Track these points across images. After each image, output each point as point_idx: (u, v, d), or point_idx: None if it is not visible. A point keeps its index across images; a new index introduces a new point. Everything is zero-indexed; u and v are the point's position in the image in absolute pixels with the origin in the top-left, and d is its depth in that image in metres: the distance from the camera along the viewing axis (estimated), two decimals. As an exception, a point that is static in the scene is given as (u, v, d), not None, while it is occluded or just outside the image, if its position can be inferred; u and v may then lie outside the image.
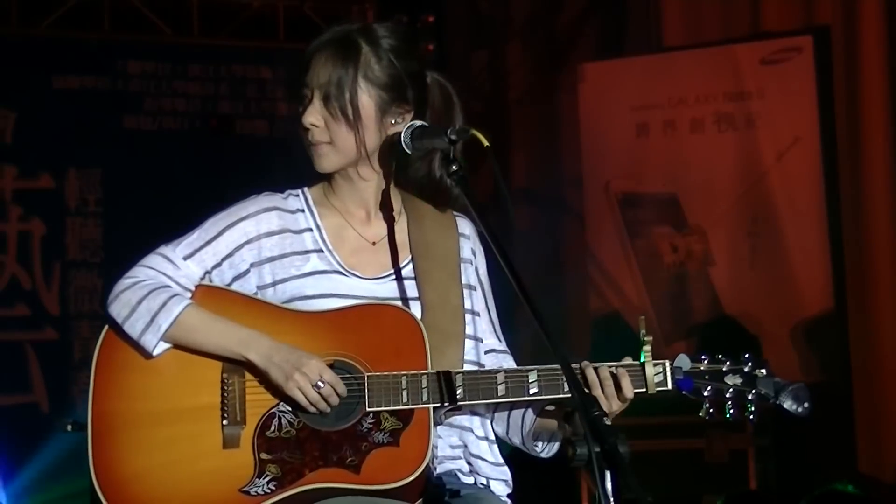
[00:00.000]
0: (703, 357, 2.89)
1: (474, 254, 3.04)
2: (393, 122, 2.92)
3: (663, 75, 7.54)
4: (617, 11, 7.98)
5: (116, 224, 7.37)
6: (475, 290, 3.02)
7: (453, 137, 2.74)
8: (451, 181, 2.77)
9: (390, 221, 2.99)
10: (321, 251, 2.94)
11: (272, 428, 2.82)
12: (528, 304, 2.48)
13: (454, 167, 2.73)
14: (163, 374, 2.86)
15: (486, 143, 2.69)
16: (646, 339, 2.84)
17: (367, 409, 2.80)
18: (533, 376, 2.84)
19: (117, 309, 2.86)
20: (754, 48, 7.35)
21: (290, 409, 2.81)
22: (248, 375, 2.84)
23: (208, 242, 2.93)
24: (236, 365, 2.84)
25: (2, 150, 7.34)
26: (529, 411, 2.94)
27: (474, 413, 2.97)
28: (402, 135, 2.85)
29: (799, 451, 6.62)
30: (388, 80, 2.89)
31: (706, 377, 2.87)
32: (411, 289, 2.93)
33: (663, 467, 6.39)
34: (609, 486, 2.26)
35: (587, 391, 2.77)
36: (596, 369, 2.82)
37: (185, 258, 2.92)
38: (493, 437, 3.00)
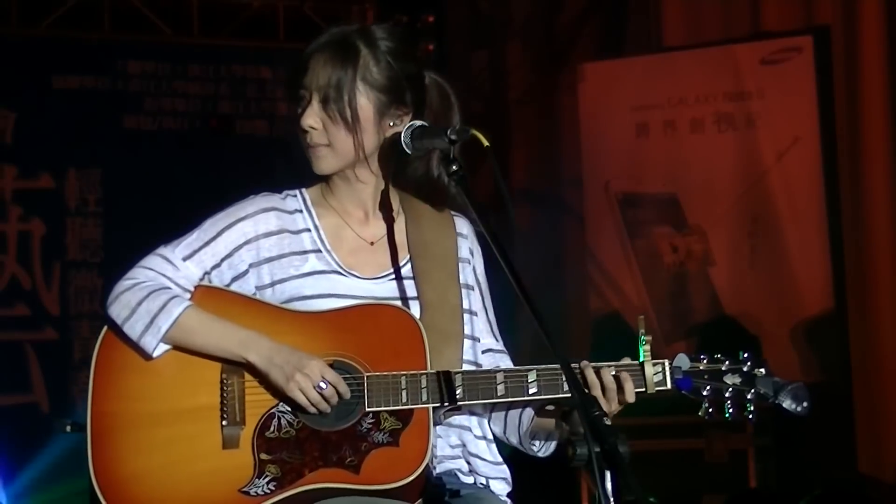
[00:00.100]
0: (702, 357, 2.89)
1: (472, 253, 3.04)
2: (391, 124, 2.92)
3: (663, 75, 7.54)
4: (617, 11, 7.98)
5: (116, 224, 7.37)
6: (473, 289, 3.02)
7: (453, 137, 2.74)
8: (451, 181, 2.77)
9: (389, 221, 2.99)
10: (319, 251, 2.94)
11: (272, 428, 2.82)
12: (528, 304, 2.48)
13: (454, 167, 2.73)
14: (162, 375, 2.86)
15: (486, 143, 2.69)
16: (645, 338, 2.85)
17: (367, 410, 2.80)
18: (532, 376, 2.84)
19: (117, 310, 2.86)
20: (754, 48, 7.35)
21: (289, 409, 2.82)
22: (247, 376, 2.84)
23: (207, 243, 2.93)
24: (236, 366, 2.84)
25: (2, 150, 7.34)
26: (527, 410, 2.94)
27: (472, 413, 2.97)
28: (402, 135, 2.85)
29: (799, 451, 6.62)
30: (387, 83, 2.89)
31: (705, 377, 2.87)
32: (410, 288, 2.94)
33: (663, 467, 6.39)
34: (609, 486, 2.26)
35: (587, 391, 2.77)
36: (600, 375, 2.81)
37: (185, 259, 2.92)
38: (490, 436, 3.00)
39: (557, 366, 2.78)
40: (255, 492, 2.78)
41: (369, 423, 2.80)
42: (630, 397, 2.82)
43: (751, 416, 2.86)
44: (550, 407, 2.90)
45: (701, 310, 7.43)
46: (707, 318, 7.37)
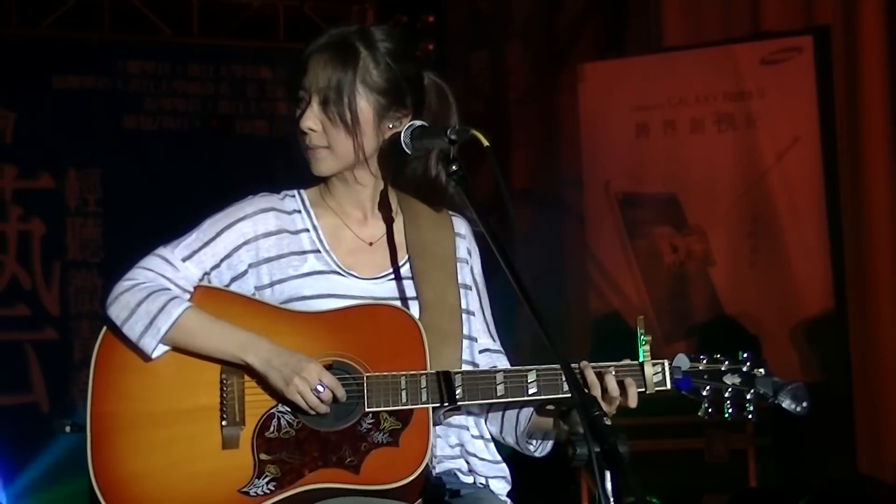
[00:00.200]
0: (701, 357, 2.89)
1: (470, 253, 3.04)
2: (391, 126, 2.92)
3: (663, 75, 7.54)
4: (617, 11, 7.99)
5: (116, 224, 7.37)
6: (470, 289, 3.02)
7: (453, 137, 2.74)
8: (451, 181, 2.77)
9: (388, 222, 2.99)
10: (318, 251, 2.94)
11: (271, 428, 2.82)
12: (528, 304, 2.48)
13: (454, 167, 2.73)
14: (161, 376, 2.86)
15: (486, 143, 2.68)
16: (644, 338, 2.85)
17: (367, 410, 2.80)
18: (532, 376, 2.84)
19: (116, 311, 2.86)
20: (754, 48, 7.36)
21: (289, 409, 2.81)
22: (246, 376, 2.84)
23: (206, 244, 2.93)
24: (235, 366, 2.84)
25: (2, 150, 7.35)
26: (524, 410, 2.94)
27: (469, 412, 2.97)
28: (402, 135, 2.85)
29: (799, 451, 6.62)
30: (386, 85, 2.89)
31: (705, 377, 2.87)
32: (409, 288, 2.94)
33: (663, 467, 6.39)
34: (609, 486, 2.26)
35: (587, 391, 2.77)
36: (603, 380, 2.81)
37: (184, 260, 2.92)
38: (488, 435, 3.00)
39: (557, 366, 2.78)
40: (255, 492, 2.78)
41: (369, 424, 2.80)
42: (633, 402, 2.82)
43: (750, 416, 2.86)
44: (551, 406, 2.90)
45: (701, 310, 7.43)
46: (707, 318, 7.37)
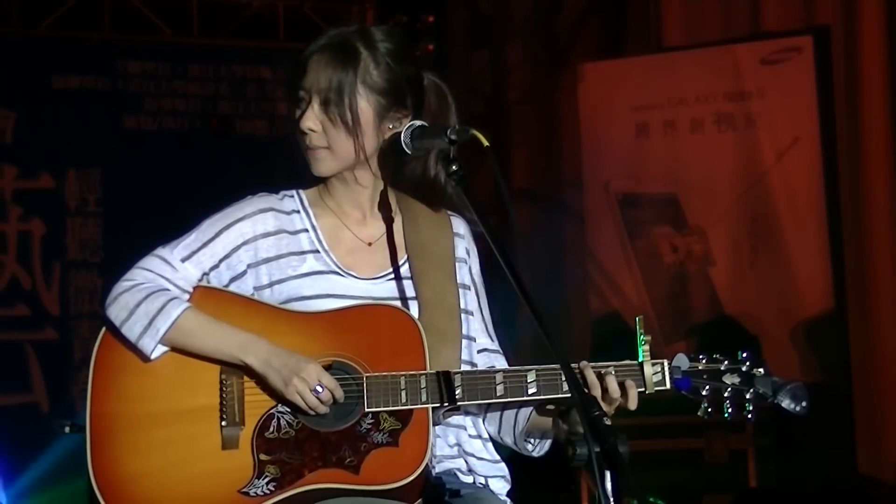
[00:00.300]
0: (701, 356, 2.89)
1: (468, 253, 3.04)
2: (391, 126, 2.92)
3: (663, 75, 7.54)
4: (617, 11, 7.99)
5: (116, 224, 7.37)
6: (469, 289, 3.02)
7: (453, 137, 2.74)
8: (451, 181, 2.77)
9: (388, 222, 2.99)
10: (317, 252, 2.94)
11: (271, 429, 2.81)
12: (528, 304, 2.48)
13: (454, 167, 2.73)
14: (161, 376, 2.86)
15: (486, 143, 2.68)
16: (644, 338, 2.85)
17: (366, 410, 2.80)
18: (531, 376, 2.84)
19: (115, 312, 2.86)
20: (754, 48, 7.36)
21: (288, 409, 2.81)
22: (246, 376, 2.84)
23: (205, 244, 2.93)
24: (235, 367, 2.84)
25: (2, 150, 7.34)
26: (523, 410, 2.95)
27: (467, 412, 2.97)
28: (402, 135, 2.85)
29: (799, 451, 6.62)
30: (387, 85, 2.89)
31: (704, 376, 2.87)
32: (408, 288, 2.94)
33: (663, 467, 6.39)
34: (609, 486, 2.26)
35: (587, 391, 2.77)
36: (604, 381, 2.81)
37: (183, 260, 2.92)
38: (486, 434, 3.00)
39: (557, 366, 2.78)
40: (255, 492, 2.78)
41: (369, 424, 2.80)
42: (633, 403, 2.82)
43: (749, 416, 2.86)
44: (551, 406, 2.90)
45: (701, 310, 7.43)
46: (707, 318, 7.37)
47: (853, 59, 7.01)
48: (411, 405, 2.79)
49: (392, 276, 2.95)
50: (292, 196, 3.02)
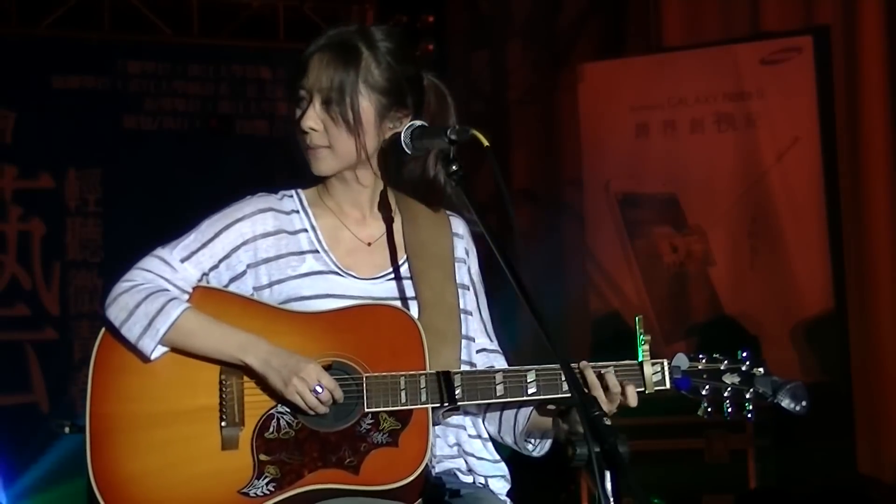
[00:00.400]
0: (700, 356, 2.89)
1: (467, 253, 3.04)
2: (391, 126, 2.92)
3: (663, 75, 7.54)
4: (617, 11, 7.99)
5: (116, 224, 7.37)
6: (468, 289, 3.02)
7: (453, 137, 2.74)
8: (451, 181, 2.77)
9: (387, 222, 2.99)
10: (317, 252, 2.94)
11: (271, 429, 2.81)
12: (528, 304, 2.47)
13: (454, 167, 2.73)
14: (160, 376, 2.86)
15: (486, 143, 2.68)
16: (644, 338, 2.85)
17: (366, 410, 2.80)
18: (531, 376, 2.84)
19: (115, 312, 2.86)
20: (754, 48, 7.36)
21: (288, 410, 2.81)
22: (245, 377, 2.84)
23: (205, 245, 2.92)
24: (235, 367, 2.84)
25: (2, 150, 7.34)
26: (523, 409, 2.95)
27: (467, 412, 2.97)
28: (402, 135, 2.85)
29: (799, 451, 6.62)
30: (388, 85, 2.89)
31: (704, 376, 2.87)
32: (407, 289, 2.94)
33: (663, 467, 6.39)
34: (609, 486, 2.26)
35: (587, 391, 2.77)
36: (603, 378, 2.81)
37: (182, 261, 2.91)
38: (485, 434, 3.00)
39: (557, 366, 2.78)
40: (255, 493, 2.78)
41: (368, 424, 2.80)
42: (632, 401, 2.82)
43: (749, 416, 2.86)
44: (551, 406, 2.90)
45: (701, 310, 7.43)
46: (707, 318, 7.37)
47: (853, 59, 7.01)
48: (411, 405, 2.79)
49: (391, 276, 2.95)
50: (291, 196, 3.01)
